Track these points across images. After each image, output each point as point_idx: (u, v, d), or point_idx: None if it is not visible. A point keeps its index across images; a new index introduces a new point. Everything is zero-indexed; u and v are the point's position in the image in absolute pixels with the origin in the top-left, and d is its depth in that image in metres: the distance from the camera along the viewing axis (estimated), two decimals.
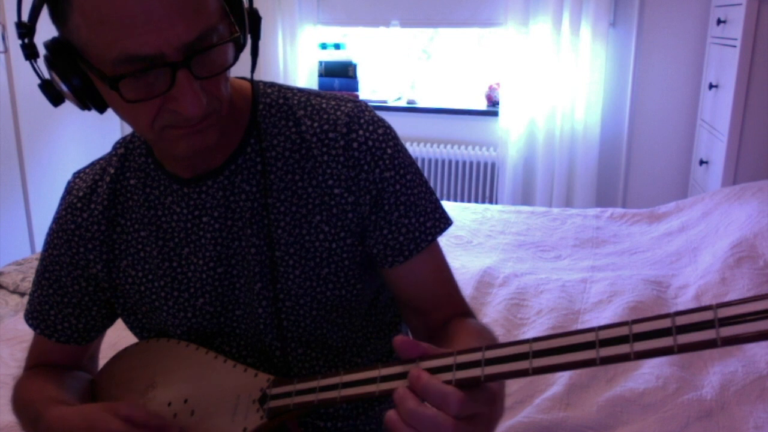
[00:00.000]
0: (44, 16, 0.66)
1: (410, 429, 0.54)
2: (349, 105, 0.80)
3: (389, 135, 0.79)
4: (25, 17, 0.67)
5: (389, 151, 0.78)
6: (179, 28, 0.61)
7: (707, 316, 0.44)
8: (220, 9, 0.66)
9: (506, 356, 0.53)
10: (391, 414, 0.55)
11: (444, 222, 0.82)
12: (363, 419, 0.88)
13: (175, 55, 0.62)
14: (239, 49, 0.69)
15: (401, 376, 0.59)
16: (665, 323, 0.46)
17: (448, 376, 0.55)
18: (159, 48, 0.61)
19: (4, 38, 2.70)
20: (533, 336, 1.52)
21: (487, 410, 0.56)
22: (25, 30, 0.67)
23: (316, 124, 0.78)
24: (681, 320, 0.45)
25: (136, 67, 0.62)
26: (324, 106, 0.80)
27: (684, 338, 0.44)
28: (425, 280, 0.81)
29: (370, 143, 0.77)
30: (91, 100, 0.69)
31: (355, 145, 0.77)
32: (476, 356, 0.55)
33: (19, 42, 0.68)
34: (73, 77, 0.66)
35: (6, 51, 2.73)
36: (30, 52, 0.68)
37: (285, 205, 0.78)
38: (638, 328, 0.47)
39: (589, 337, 0.49)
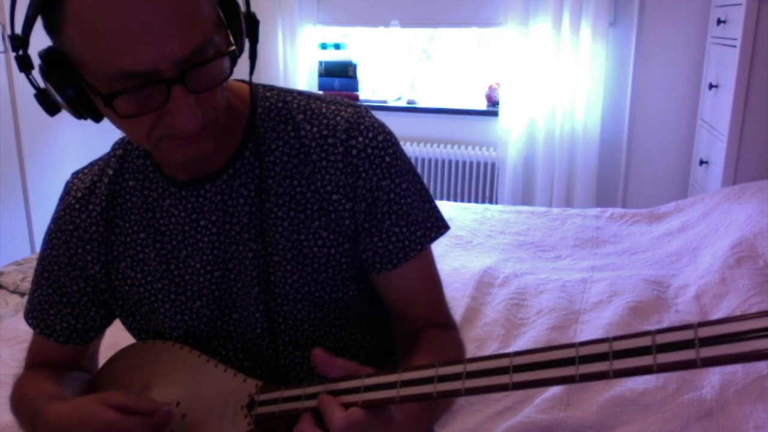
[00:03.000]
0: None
1: None
2: (349, 110, 0.79)
3: (389, 142, 0.79)
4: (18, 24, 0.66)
5: (387, 159, 0.78)
6: (174, 43, 0.60)
7: (688, 335, 0.43)
8: (216, 19, 0.65)
9: (487, 369, 0.53)
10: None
11: (437, 229, 0.82)
12: None
13: (170, 70, 0.61)
14: (235, 59, 0.68)
15: (386, 386, 0.59)
16: (645, 341, 0.45)
17: (358, 396, 0.59)
18: (154, 64, 0.60)
19: (4, 38, 2.70)
20: (532, 336, 1.53)
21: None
22: (19, 42, 0.66)
23: (315, 129, 0.78)
24: (661, 339, 0.44)
25: (131, 84, 0.61)
26: (324, 110, 0.79)
27: (664, 357, 0.43)
28: (411, 288, 0.81)
29: (369, 150, 0.77)
30: (86, 111, 0.68)
31: (354, 151, 0.77)
32: (458, 368, 0.55)
33: (13, 54, 0.67)
34: (68, 88, 0.65)
35: (6, 51, 2.73)
36: (24, 64, 0.67)
37: (282, 210, 0.78)
38: (618, 346, 0.46)
39: (569, 353, 0.48)
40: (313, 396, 0.64)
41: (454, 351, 0.81)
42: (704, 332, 0.42)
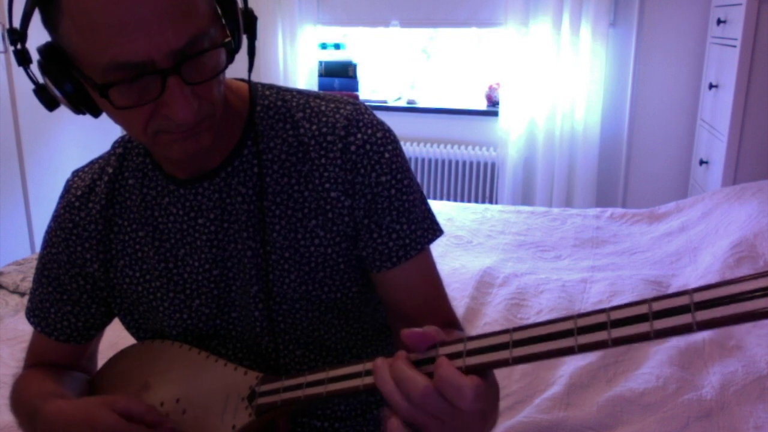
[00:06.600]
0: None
1: (413, 408, 0.53)
2: (348, 107, 0.79)
3: (388, 139, 0.79)
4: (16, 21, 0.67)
5: (387, 155, 0.77)
6: (168, 34, 0.60)
7: (684, 300, 0.44)
8: (212, 12, 0.65)
9: (487, 347, 0.53)
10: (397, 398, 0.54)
11: (434, 232, 0.81)
12: (361, 420, 0.88)
13: (165, 61, 0.61)
14: (231, 52, 0.68)
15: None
16: (642, 309, 0.46)
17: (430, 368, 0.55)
18: (148, 55, 0.60)
19: (4, 39, 2.70)
20: None
21: (491, 407, 0.56)
22: (17, 36, 0.66)
23: (314, 127, 0.78)
24: (658, 306, 0.45)
25: (126, 75, 0.61)
26: (323, 108, 0.79)
27: (661, 323, 0.45)
28: (412, 288, 0.81)
29: (368, 146, 0.77)
30: (84, 105, 0.68)
31: (352, 148, 0.76)
32: (458, 347, 0.54)
33: (12, 48, 0.68)
34: (66, 83, 0.66)
35: (6, 51, 2.73)
36: (22, 58, 0.67)
37: (281, 208, 0.78)
38: (616, 315, 0.47)
39: (568, 325, 0.49)
40: (314, 384, 0.64)
41: None
42: (699, 297, 0.43)
